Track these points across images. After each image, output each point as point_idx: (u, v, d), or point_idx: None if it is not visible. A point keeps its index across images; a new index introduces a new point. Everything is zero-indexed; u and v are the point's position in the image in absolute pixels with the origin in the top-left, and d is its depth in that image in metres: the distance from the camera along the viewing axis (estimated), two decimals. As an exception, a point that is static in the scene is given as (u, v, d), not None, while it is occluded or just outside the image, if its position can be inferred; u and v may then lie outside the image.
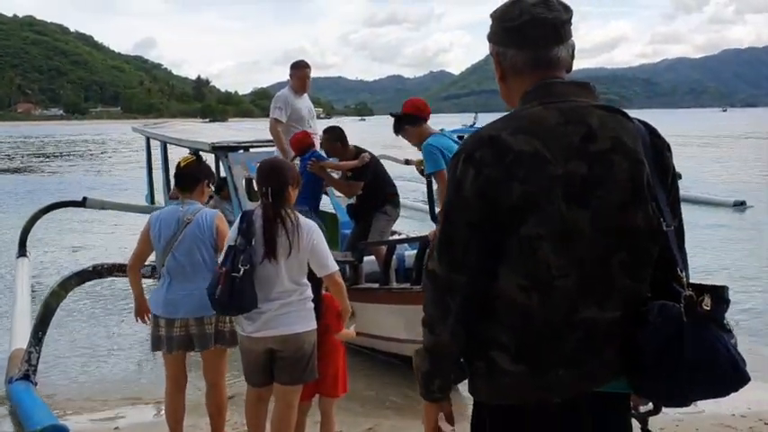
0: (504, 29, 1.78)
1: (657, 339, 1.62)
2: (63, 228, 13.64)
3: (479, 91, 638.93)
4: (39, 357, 5.02)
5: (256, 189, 3.75)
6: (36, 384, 4.97)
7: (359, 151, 6.41)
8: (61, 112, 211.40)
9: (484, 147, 1.65)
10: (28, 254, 9.85)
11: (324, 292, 3.87)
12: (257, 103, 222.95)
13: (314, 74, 7.42)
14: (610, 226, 1.63)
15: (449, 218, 1.71)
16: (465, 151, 1.69)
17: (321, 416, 3.99)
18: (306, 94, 7.37)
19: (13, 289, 8.12)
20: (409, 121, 5.09)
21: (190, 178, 4.10)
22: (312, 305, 3.65)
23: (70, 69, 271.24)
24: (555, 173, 1.60)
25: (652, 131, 1.75)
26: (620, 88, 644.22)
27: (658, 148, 1.73)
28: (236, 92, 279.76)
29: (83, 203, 10.89)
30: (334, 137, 6.38)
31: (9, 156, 44.00)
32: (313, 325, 3.63)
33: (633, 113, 1.80)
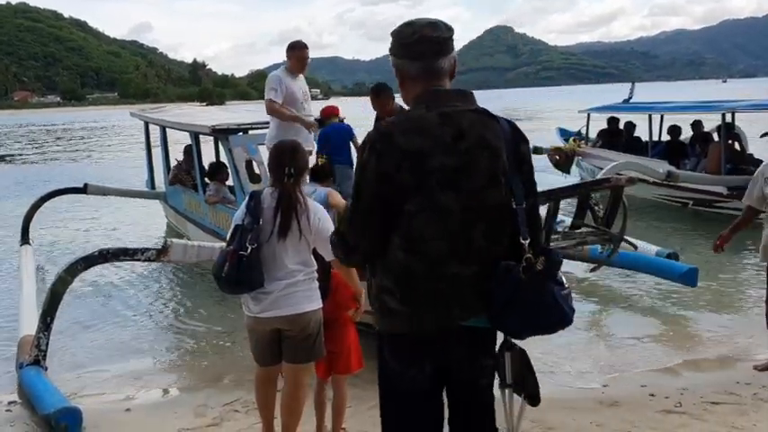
0: (401, 44, 2.28)
1: (501, 289, 2.17)
2: (66, 214, 13.65)
3: (477, 68, 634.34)
4: (48, 342, 5.05)
5: (271, 169, 3.72)
6: (46, 369, 5.02)
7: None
8: (58, 99, 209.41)
9: (383, 141, 2.18)
10: (31, 241, 9.87)
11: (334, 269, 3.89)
12: (254, 85, 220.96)
13: (310, 54, 7.14)
14: (473, 205, 2.17)
15: (358, 192, 2.23)
16: (370, 142, 2.22)
17: (333, 392, 4.04)
18: (301, 76, 7.12)
19: (18, 276, 8.15)
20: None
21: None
22: (317, 284, 3.68)
23: (66, 56, 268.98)
24: (432, 166, 2.14)
25: (514, 129, 2.27)
26: (619, 62, 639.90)
27: (517, 142, 2.26)
28: (232, 74, 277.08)
29: (84, 190, 10.85)
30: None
31: (7, 144, 43.82)
32: (319, 304, 3.67)
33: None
